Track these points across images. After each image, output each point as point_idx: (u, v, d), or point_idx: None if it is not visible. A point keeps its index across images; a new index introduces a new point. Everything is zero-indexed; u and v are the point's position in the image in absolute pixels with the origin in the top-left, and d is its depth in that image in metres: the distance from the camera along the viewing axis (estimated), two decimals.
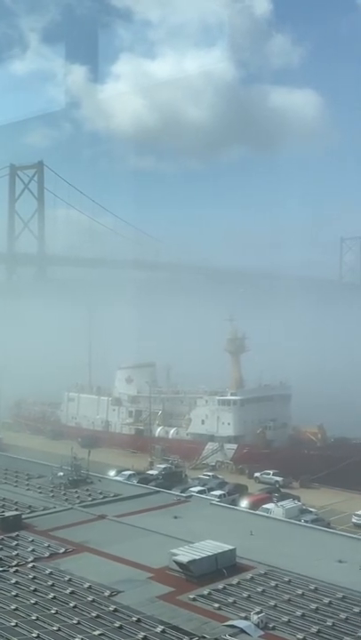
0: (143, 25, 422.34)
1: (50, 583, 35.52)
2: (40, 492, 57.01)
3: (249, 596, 33.74)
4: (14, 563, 39.06)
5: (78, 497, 55.33)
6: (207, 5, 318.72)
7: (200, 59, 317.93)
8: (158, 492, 58.83)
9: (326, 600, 33.11)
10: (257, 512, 57.73)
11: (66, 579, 36.14)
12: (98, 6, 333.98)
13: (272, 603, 32.88)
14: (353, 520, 66.70)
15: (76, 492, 57.00)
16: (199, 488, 71.07)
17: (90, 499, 54.80)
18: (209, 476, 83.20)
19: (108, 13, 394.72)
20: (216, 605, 32.63)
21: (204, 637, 29.10)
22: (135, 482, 70.43)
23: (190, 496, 57.49)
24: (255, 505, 65.32)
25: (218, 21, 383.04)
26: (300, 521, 56.55)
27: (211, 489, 72.29)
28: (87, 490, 57.54)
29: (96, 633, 29.60)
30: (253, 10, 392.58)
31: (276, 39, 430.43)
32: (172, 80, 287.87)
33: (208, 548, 38.12)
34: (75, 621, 30.73)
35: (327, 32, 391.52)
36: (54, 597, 33.56)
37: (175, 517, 48.44)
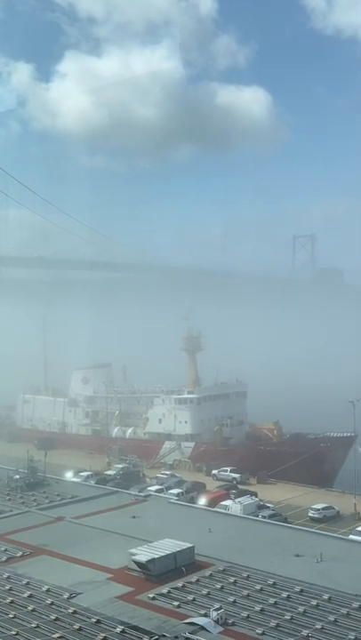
0: (88, 22, 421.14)
1: (7, 587, 35.10)
2: None
3: (208, 593, 33.91)
4: None
5: (35, 500, 54.82)
6: (152, 3, 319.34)
7: (146, 56, 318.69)
8: (116, 492, 58.74)
9: (285, 594, 33.48)
10: (215, 509, 58.02)
11: (24, 582, 35.77)
12: (41, 4, 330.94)
13: (231, 599, 33.10)
14: (309, 514, 67.50)
15: (33, 494, 56.48)
16: (157, 487, 71.07)
17: (47, 501, 54.36)
18: (167, 474, 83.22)
19: (52, 10, 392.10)
20: (176, 603, 32.70)
21: (164, 636, 29.13)
22: (93, 483, 70.12)
23: (148, 495, 57.52)
24: (213, 502, 65.62)
25: (163, 20, 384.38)
26: (257, 517, 57.04)
27: (169, 487, 72.37)
28: (44, 492, 57.05)
29: (55, 636, 29.37)
30: (199, 9, 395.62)
31: (223, 38, 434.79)
32: (119, 78, 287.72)
33: (167, 546, 38.21)
34: (33, 625, 30.43)
35: (272, 31, 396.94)
36: (12, 601, 33.18)
37: (133, 517, 48.42)
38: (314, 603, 32.44)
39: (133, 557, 37.05)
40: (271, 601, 32.72)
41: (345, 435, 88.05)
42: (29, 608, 32.30)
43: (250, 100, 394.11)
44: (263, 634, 29.49)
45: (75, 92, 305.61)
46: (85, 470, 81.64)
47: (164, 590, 34.28)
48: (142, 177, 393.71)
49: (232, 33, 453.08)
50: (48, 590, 34.52)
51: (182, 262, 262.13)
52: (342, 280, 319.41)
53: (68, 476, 74.51)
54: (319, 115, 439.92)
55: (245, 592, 33.94)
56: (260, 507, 65.50)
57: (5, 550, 41.41)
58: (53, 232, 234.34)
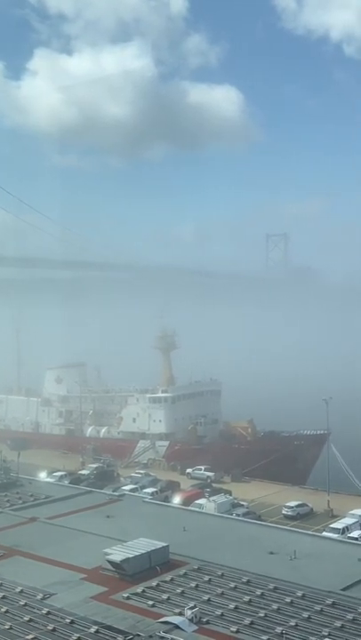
0: (58, 19, 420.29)
1: None
2: None
3: (183, 592, 33.87)
4: None
5: (8, 500, 54.31)
6: (122, 1, 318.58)
7: (117, 54, 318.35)
8: (90, 491, 58.43)
9: (259, 592, 33.56)
10: (189, 508, 58.06)
11: None
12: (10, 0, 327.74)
13: (206, 597, 33.09)
14: (283, 512, 68.00)
15: (6, 495, 55.94)
16: (131, 486, 71.10)
17: (20, 502, 53.88)
18: (141, 473, 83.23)
19: (21, 7, 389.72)
20: (150, 603, 32.62)
21: (139, 635, 29.06)
22: (67, 483, 69.80)
23: (123, 495, 57.33)
24: (188, 501, 65.77)
25: (134, 18, 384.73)
26: (231, 515, 57.24)
27: (143, 487, 72.43)
28: (17, 492, 56.55)
29: (29, 637, 29.11)
30: (169, 8, 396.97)
31: (194, 37, 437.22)
32: (90, 76, 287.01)
33: (141, 545, 38.09)
34: (7, 626, 30.14)
35: (243, 31, 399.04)
36: None
37: (108, 517, 48.20)
38: (288, 600, 32.56)
39: (108, 557, 36.89)
40: (245, 599, 32.78)
41: (318, 432, 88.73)
42: (2, 609, 32.00)
43: (222, 99, 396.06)
44: (238, 631, 29.54)
45: (46, 90, 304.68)
46: (59, 470, 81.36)
47: (139, 590, 34.18)
48: (115, 175, 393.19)
49: (203, 32, 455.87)
50: (21, 591, 34.23)
51: (156, 261, 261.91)
52: (315, 278, 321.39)
53: (42, 476, 74.10)
54: (291, 114, 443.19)
55: (220, 590, 33.97)
56: (235, 505, 65.84)
57: None
58: (26, 230, 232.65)
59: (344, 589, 33.95)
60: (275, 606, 31.82)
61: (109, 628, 29.54)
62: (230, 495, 69.96)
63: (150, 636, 29.05)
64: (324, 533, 54.44)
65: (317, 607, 31.62)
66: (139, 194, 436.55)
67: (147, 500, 57.06)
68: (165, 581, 35.27)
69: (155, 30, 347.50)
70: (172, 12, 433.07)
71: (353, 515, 61.82)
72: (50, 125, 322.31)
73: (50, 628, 29.79)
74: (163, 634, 29.17)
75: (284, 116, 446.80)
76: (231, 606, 31.97)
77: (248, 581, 35.00)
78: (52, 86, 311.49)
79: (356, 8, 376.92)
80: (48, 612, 31.43)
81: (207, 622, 30.46)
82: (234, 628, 29.73)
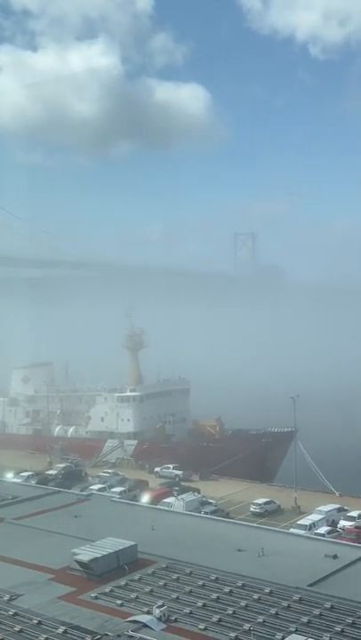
0: (23, 15, 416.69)
1: None
2: None
3: (151, 591, 33.87)
4: None
5: None
6: None
7: (83, 52, 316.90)
8: (58, 491, 58.11)
9: (227, 589, 33.69)
10: (158, 507, 58.04)
11: None
12: None
13: (174, 595, 33.14)
14: (251, 509, 68.31)
15: None
16: (99, 486, 70.86)
17: None
18: (109, 473, 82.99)
19: None
20: (118, 602, 32.56)
21: (107, 635, 28.98)
22: (34, 483, 69.25)
23: (91, 494, 57.12)
24: (156, 499, 65.69)
25: (100, 15, 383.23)
26: (200, 513, 57.35)
27: (111, 486, 72.19)
28: None
29: None
30: (135, 6, 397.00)
31: (160, 35, 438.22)
32: (56, 73, 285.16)
33: (109, 545, 38.01)
34: None
35: (208, 30, 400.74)
36: None
37: (76, 516, 47.99)
38: (256, 596, 32.75)
39: (76, 557, 36.73)
40: (213, 596, 32.90)
41: (286, 430, 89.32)
42: None
43: (188, 97, 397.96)
44: (206, 629, 29.63)
45: (11, 87, 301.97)
46: (26, 470, 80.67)
47: (107, 589, 34.10)
48: (83, 173, 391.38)
49: (169, 30, 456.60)
50: None
51: (125, 260, 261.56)
52: (282, 277, 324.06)
53: (9, 476, 73.54)
54: (257, 113, 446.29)
55: (188, 588, 34.05)
56: (203, 503, 65.96)
57: None
58: None
59: (311, 585, 34.28)
60: (243, 603, 31.99)
61: (77, 628, 29.42)
62: (198, 493, 70.09)
63: (119, 636, 29.00)
64: (292, 530, 54.83)
65: (285, 603, 31.87)
66: (107, 192, 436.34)
67: (115, 499, 56.88)
68: (134, 580, 35.24)
69: (121, 28, 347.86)
70: (137, 9, 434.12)
71: (320, 511, 62.41)
72: (15, 123, 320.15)
73: (17, 629, 29.56)
74: (131, 633, 29.15)
75: (250, 115, 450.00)
76: (199, 604, 32.06)
77: (216, 579, 35.13)
78: (17, 83, 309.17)
79: (321, 9, 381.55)
80: (15, 614, 31.18)
81: (176, 620, 30.51)
82: (202, 626, 29.82)
